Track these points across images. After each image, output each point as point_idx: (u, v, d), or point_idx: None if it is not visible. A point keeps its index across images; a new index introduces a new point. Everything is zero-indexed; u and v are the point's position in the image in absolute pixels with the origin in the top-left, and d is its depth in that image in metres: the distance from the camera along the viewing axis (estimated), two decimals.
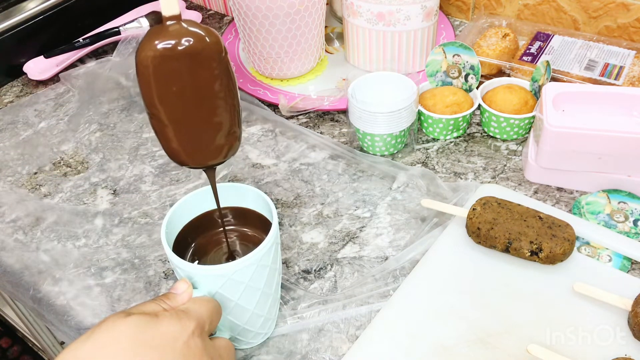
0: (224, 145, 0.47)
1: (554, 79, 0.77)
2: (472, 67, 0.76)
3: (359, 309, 0.58)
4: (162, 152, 0.79)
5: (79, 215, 0.71)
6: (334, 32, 0.99)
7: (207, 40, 0.41)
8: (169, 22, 0.41)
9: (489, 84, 0.78)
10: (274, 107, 0.85)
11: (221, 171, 0.75)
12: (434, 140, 0.77)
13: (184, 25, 0.41)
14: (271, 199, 0.53)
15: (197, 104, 0.44)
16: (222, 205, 0.55)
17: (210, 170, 0.50)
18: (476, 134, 0.78)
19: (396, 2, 0.79)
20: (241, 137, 0.48)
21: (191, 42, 0.40)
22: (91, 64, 0.94)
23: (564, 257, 0.57)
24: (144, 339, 0.40)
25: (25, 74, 0.95)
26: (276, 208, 0.53)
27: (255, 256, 0.47)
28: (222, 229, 0.56)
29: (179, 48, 0.40)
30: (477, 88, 0.78)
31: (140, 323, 0.41)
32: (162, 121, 0.44)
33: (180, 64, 0.41)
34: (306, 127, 0.81)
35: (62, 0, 0.97)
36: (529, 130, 0.75)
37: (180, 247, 0.53)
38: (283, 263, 0.63)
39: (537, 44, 0.84)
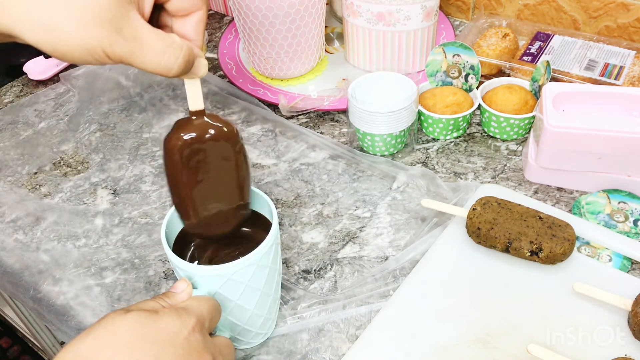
0: (236, 216, 0.52)
1: (554, 79, 0.77)
2: (472, 67, 0.76)
3: (359, 309, 0.58)
4: (162, 152, 0.79)
5: (79, 215, 0.71)
6: (334, 32, 0.99)
7: (226, 130, 0.47)
8: (194, 117, 0.47)
9: (489, 84, 0.78)
10: (274, 107, 0.85)
11: None
12: (434, 140, 0.77)
13: (207, 119, 0.47)
14: (271, 199, 0.53)
15: (215, 183, 0.49)
16: None
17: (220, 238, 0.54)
18: (476, 134, 0.78)
19: (396, 2, 0.79)
20: (250, 208, 0.53)
21: (213, 134, 0.47)
22: None
23: (564, 257, 0.57)
24: (144, 335, 0.40)
25: (25, 74, 0.95)
26: (276, 208, 0.53)
27: (255, 256, 0.47)
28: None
29: (203, 137, 0.46)
30: (477, 88, 0.78)
31: (140, 319, 0.41)
32: (184, 198, 0.49)
33: (204, 152, 0.47)
34: (306, 127, 0.81)
35: None
36: (529, 130, 0.75)
37: (180, 247, 0.53)
38: (283, 263, 0.63)
39: (537, 44, 0.84)
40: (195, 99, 0.46)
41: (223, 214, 0.51)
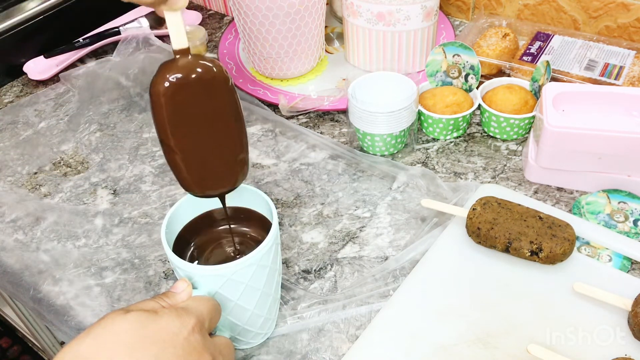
0: (234, 172, 0.49)
1: (554, 79, 0.77)
2: (472, 67, 0.76)
3: (359, 309, 0.58)
4: (162, 152, 0.79)
5: (79, 215, 0.71)
6: (334, 32, 0.99)
7: (214, 70, 0.44)
8: (178, 56, 0.44)
9: (489, 84, 0.78)
10: (274, 107, 0.85)
11: None
12: (434, 140, 0.77)
13: (192, 58, 0.44)
14: (271, 199, 0.53)
15: (208, 132, 0.46)
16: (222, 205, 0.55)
17: (222, 199, 0.52)
18: (476, 134, 0.78)
19: (396, 2, 0.79)
20: (249, 162, 0.50)
21: (200, 73, 0.44)
22: (91, 64, 0.94)
23: (564, 257, 0.57)
24: (144, 335, 0.40)
25: (25, 74, 0.95)
26: (276, 208, 0.53)
27: (255, 256, 0.47)
28: (221, 228, 0.56)
29: (189, 78, 0.43)
30: (477, 88, 0.78)
31: (140, 319, 0.41)
32: (175, 151, 0.46)
33: (191, 93, 0.44)
34: (306, 127, 0.81)
35: (62, 0, 0.97)
36: (529, 130, 0.75)
37: (180, 247, 0.53)
38: (283, 263, 0.63)
39: (537, 44, 0.84)
40: (178, 36, 0.44)
41: (220, 168, 0.48)
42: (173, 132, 0.45)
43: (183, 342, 0.41)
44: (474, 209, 0.61)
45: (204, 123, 0.45)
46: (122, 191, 0.75)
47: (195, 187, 0.49)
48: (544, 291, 0.57)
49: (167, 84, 0.43)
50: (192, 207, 0.54)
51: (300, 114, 0.83)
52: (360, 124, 0.72)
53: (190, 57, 0.44)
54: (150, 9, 1.04)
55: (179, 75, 0.43)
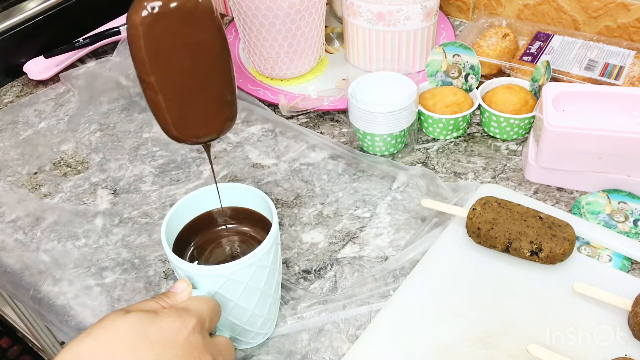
0: (220, 115, 0.46)
1: (554, 79, 0.77)
2: (472, 67, 0.76)
3: (359, 309, 0.58)
4: (162, 152, 0.79)
5: (79, 215, 0.71)
6: (334, 32, 0.99)
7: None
8: None
9: (489, 84, 0.78)
10: (274, 107, 0.85)
11: (221, 171, 0.75)
12: (434, 140, 0.77)
13: None
14: (271, 199, 0.53)
15: (191, 68, 0.43)
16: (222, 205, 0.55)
17: (206, 147, 0.49)
18: (476, 134, 0.78)
19: (396, 2, 0.79)
20: (237, 107, 0.47)
21: (181, 0, 0.41)
22: (91, 64, 0.94)
23: (564, 257, 0.57)
24: (144, 335, 0.40)
25: (25, 74, 0.95)
26: (276, 208, 0.53)
27: (255, 257, 0.47)
28: (222, 228, 0.56)
29: (170, 6, 0.40)
30: (477, 88, 0.78)
31: (140, 319, 0.41)
32: (156, 89, 0.43)
33: (172, 24, 0.41)
34: (306, 127, 0.81)
35: (62, 0, 0.97)
36: (529, 130, 0.75)
37: (180, 247, 0.53)
38: (283, 263, 0.63)
39: (537, 44, 0.84)
40: None
41: (205, 109, 0.45)
42: (152, 67, 0.42)
43: (183, 342, 0.41)
44: (474, 209, 0.61)
45: (186, 57, 0.42)
46: (122, 191, 0.75)
47: (177, 130, 0.45)
48: (544, 291, 0.57)
49: (144, 13, 0.40)
50: (192, 207, 0.54)
51: (300, 114, 0.83)
52: (360, 124, 0.72)
53: None
54: None
55: (158, 3, 0.40)
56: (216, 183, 0.53)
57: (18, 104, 0.91)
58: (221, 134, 0.48)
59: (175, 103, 0.44)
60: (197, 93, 0.44)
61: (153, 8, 0.40)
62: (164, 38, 0.41)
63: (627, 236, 0.62)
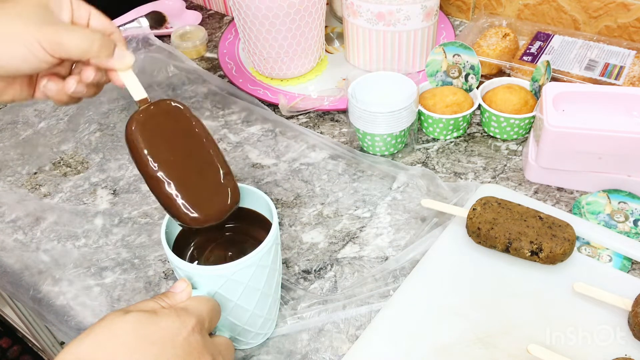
0: (224, 191, 0.50)
1: (554, 79, 0.77)
2: (472, 67, 0.76)
3: (359, 309, 0.58)
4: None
5: (79, 215, 0.71)
6: (334, 32, 0.99)
7: (172, 103, 0.50)
8: (140, 106, 0.50)
9: (489, 84, 0.78)
10: (274, 107, 0.85)
11: None
12: (434, 140, 0.77)
13: (152, 102, 0.50)
14: (271, 199, 0.52)
15: (185, 152, 0.49)
16: None
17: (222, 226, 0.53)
18: (476, 134, 0.78)
19: (396, 2, 0.79)
20: (236, 183, 0.51)
21: (161, 105, 0.50)
22: None
23: (564, 257, 0.57)
24: (143, 335, 0.40)
25: None
26: (276, 208, 0.53)
27: (255, 257, 0.47)
28: (222, 228, 0.56)
29: (154, 110, 0.49)
30: (477, 88, 0.78)
31: (139, 319, 0.41)
32: (160, 179, 0.48)
33: (159, 122, 0.49)
34: (306, 127, 0.81)
35: None
36: (529, 130, 0.75)
37: (180, 247, 0.53)
38: (283, 263, 0.63)
39: (537, 43, 0.84)
40: (135, 89, 0.51)
41: (211, 189, 0.49)
42: (154, 159, 0.48)
43: (183, 342, 0.41)
44: (474, 209, 0.61)
45: (178, 144, 0.49)
46: (122, 191, 0.75)
47: (190, 213, 0.48)
48: (544, 291, 0.57)
49: (136, 122, 0.48)
50: None
51: (300, 114, 0.83)
52: (360, 124, 0.72)
53: (149, 102, 0.50)
54: (149, 9, 1.04)
55: (145, 113, 0.49)
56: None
57: (18, 104, 0.91)
58: (233, 205, 0.51)
59: (183, 190, 0.48)
60: (199, 177, 0.49)
61: (142, 116, 0.49)
62: (156, 133, 0.49)
63: (627, 236, 0.62)
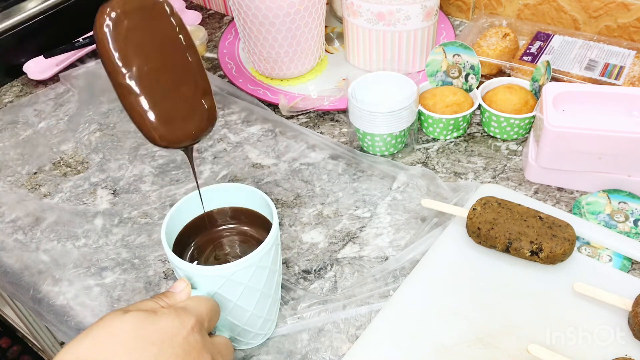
0: (199, 110, 0.46)
1: (554, 79, 0.77)
2: (472, 67, 0.76)
3: (359, 309, 0.58)
4: (162, 152, 0.79)
5: (78, 215, 0.71)
6: (334, 32, 0.99)
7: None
8: None
9: (489, 84, 0.78)
10: (274, 107, 0.85)
11: (221, 171, 0.75)
12: (434, 140, 0.77)
13: None
14: (271, 199, 0.52)
15: (159, 63, 0.44)
16: (222, 206, 0.55)
17: (189, 152, 0.49)
18: (476, 134, 0.78)
19: (396, 2, 0.79)
20: (214, 103, 0.47)
21: (139, 1, 0.43)
22: (91, 64, 0.94)
23: (564, 257, 0.57)
24: (143, 335, 0.40)
25: (25, 73, 0.95)
26: (276, 208, 0.53)
27: (254, 257, 0.47)
28: (221, 228, 0.56)
29: (129, 6, 0.43)
30: (477, 88, 0.78)
31: (138, 319, 0.41)
32: (130, 89, 0.43)
33: (134, 22, 0.43)
34: (306, 127, 0.81)
35: (62, 0, 0.97)
36: (529, 130, 0.75)
37: (180, 247, 0.53)
38: (283, 263, 0.63)
39: (538, 43, 0.84)
40: None
41: (184, 105, 0.45)
42: (123, 65, 0.43)
43: (182, 342, 0.41)
44: (474, 209, 0.61)
45: (153, 53, 0.43)
46: (121, 191, 0.75)
47: (160, 130, 0.44)
48: (544, 291, 0.57)
49: (107, 16, 0.42)
50: (192, 207, 0.54)
51: (300, 114, 0.83)
52: (360, 124, 0.72)
53: None
54: None
55: (118, 7, 0.42)
56: (199, 188, 0.52)
57: (18, 104, 0.91)
58: (204, 131, 0.47)
59: (152, 102, 0.44)
60: (172, 89, 0.44)
61: (114, 10, 0.42)
62: (130, 36, 0.42)
63: (628, 236, 0.62)
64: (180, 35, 0.45)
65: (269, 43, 0.83)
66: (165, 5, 0.44)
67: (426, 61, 0.78)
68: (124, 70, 0.43)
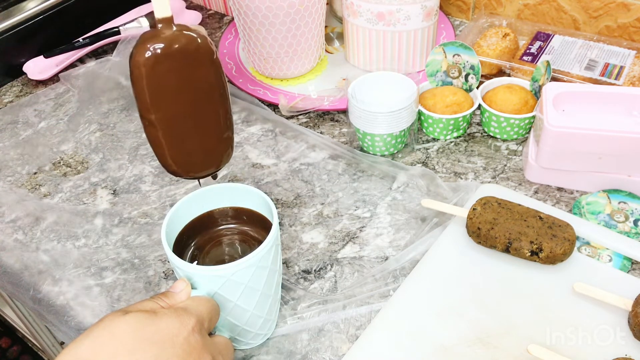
0: (218, 152, 0.48)
1: (554, 79, 0.77)
2: (472, 67, 0.76)
3: (359, 309, 0.58)
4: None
5: (78, 215, 0.71)
6: (334, 32, 0.99)
7: (199, 41, 0.43)
8: (160, 25, 0.42)
9: (489, 84, 0.78)
10: (274, 107, 0.85)
11: (221, 171, 0.75)
12: (434, 140, 0.77)
13: (176, 28, 0.42)
14: (271, 199, 0.52)
15: (192, 108, 0.45)
16: (222, 206, 0.55)
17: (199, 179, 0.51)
18: (476, 134, 0.78)
19: (396, 2, 0.79)
20: (233, 144, 0.49)
21: (183, 43, 0.42)
22: (91, 64, 0.94)
23: (564, 257, 0.57)
24: (143, 336, 0.40)
25: (25, 73, 0.95)
26: (276, 208, 0.53)
27: (254, 257, 0.47)
28: (221, 228, 0.56)
29: (172, 48, 0.42)
30: (477, 88, 0.78)
31: (139, 320, 0.41)
32: (157, 126, 0.44)
33: (174, 65, 0.42)
34: (306, 127, 0.81)
35: (62, 0, 0.97)
36: (529, 130, 0.75)
37: (180, 247, 0.53)
38: (283, 263, 0.63)
39: (538, 43, 0.84)
40: (160, 3, 0.42)
41: (204, 146, 0.46)
42: (154, 105, 0.43)
43: (182, 342, 0.41)
44: (474, 209, 0.61)
45: (186, 96, 0.44)
46: (122, 191, 0.75)
47: (177, 166, 0.47)
48: (544, 291, 0.57)
49: (147, 54, 0.41)
50: (192, 207, 0.54)
51: (300, 114, 0.83)
52: (360, 124, 0.72)
53: (173, 26, 0.42)
54: (149, 9, 1.04)
55: (161, 45, 0.42)
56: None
57: (18, 104, 0.91)
58: (218, 168, 0.50)
59: (175, 140, 0.45)
60: (196, 130, 0.45)
61: (156, 49, 0.41)
62: (165, 78, 0.42)
63: (628, 236, 0.62)
64: (216, 86, 0.45)
65: (269, 43, 0.83)
66: (207, 52, 0.44)
67: (426, 61, 0.78)
68: (153, 109, 0.44)
